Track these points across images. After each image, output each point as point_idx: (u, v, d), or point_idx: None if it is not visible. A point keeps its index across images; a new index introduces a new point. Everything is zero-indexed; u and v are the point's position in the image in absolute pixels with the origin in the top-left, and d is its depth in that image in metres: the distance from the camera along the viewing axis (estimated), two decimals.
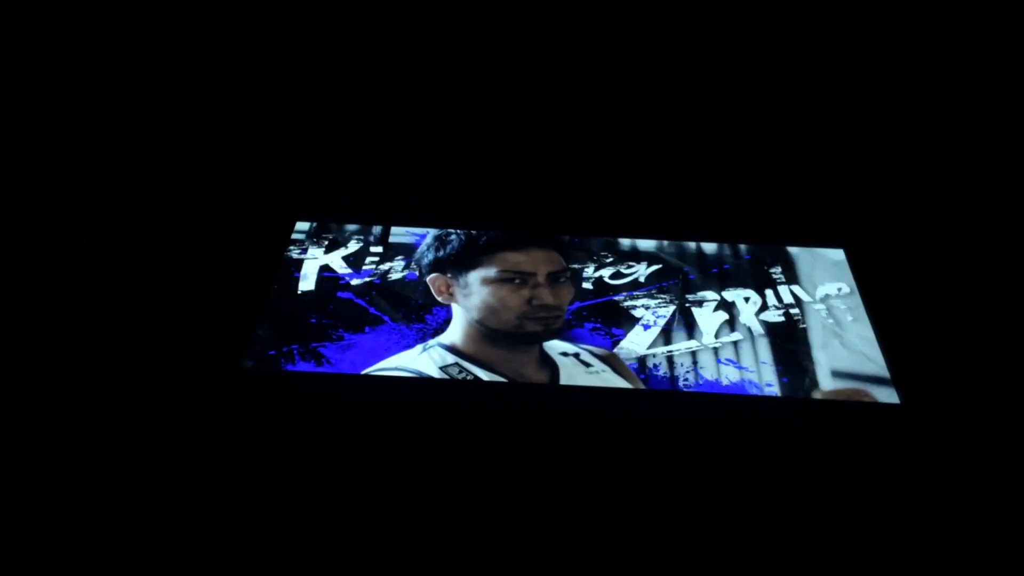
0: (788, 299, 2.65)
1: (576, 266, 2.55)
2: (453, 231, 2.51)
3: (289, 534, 2.26)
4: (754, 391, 2.42)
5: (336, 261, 2.75)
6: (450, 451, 2.43)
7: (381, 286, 2.58)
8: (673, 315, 2.52)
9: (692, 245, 2.80)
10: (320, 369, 2.42)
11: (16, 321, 2.74)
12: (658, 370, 2.44)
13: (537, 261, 2.33)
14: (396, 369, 2.27)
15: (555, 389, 2.32)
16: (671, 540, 2.22)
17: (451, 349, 2.22)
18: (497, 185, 3.29)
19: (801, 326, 2.56)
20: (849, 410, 2.66)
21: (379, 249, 2.71)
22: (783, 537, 2.22)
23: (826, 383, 2.45)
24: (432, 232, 2.61)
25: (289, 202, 3.25)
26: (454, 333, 2.30)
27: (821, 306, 2.65)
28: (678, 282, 2.65)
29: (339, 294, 2.63)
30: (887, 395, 2.53)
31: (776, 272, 2.75)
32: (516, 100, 3.23)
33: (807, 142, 3.19)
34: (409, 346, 2.36)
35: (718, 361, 2.48)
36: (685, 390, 2.51)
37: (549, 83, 3.20)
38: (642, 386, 2.36)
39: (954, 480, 2.32)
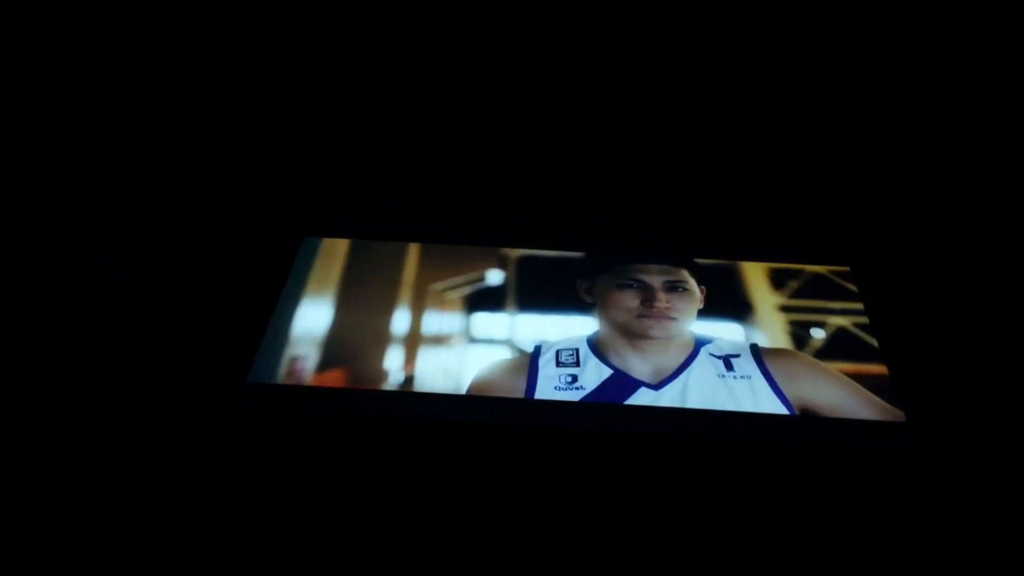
0: None
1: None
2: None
3: (290, 547, 2.27)
4: None
5: None
6: (457, 468, 2.44)
7: None
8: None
9: None
10: None
11: (21, 331, 2.75)
12: None
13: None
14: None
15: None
16: (670, 560, 2.23)
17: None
18: (507, 190, 3.30)
19: None
20: (853, 429, 2.65)
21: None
22: (784, 558, 2.22)
23: None
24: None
25: (295, 214, 3.26)
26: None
27: None
28: None
29: None
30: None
31: None
32: (526, 107, 3.22)
33: (812, 158, 3.18)
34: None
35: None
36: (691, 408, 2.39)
37: (572, 96, 3.18)
38: None
39: (959, 499, 2.32)
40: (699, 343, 2.01)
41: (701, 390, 1.97)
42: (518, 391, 1.95)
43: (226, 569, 2.24)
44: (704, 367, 1.98)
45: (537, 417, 2.08)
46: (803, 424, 2.20)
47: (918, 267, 2.98)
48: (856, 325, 2.60)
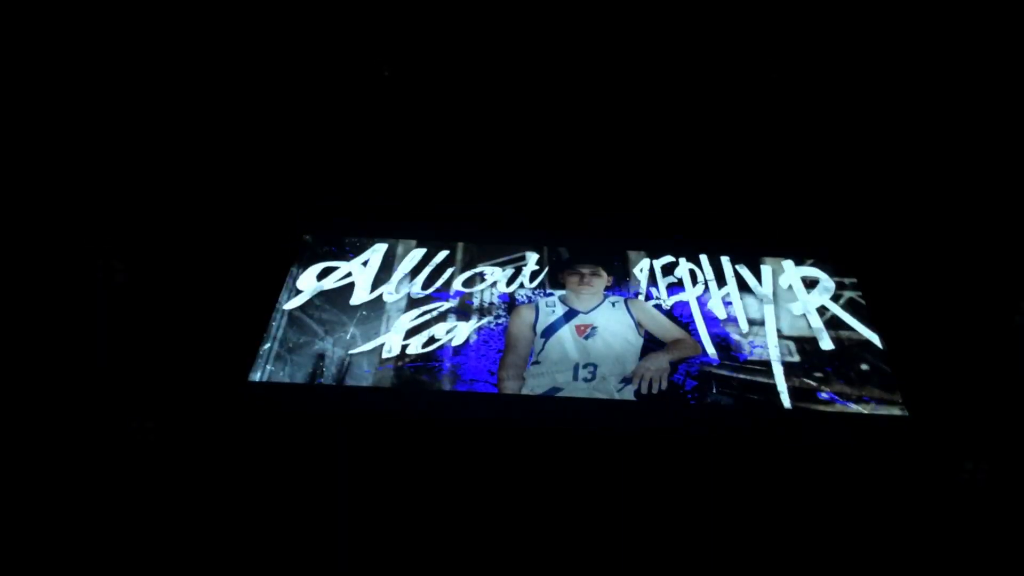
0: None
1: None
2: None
3: (287, 542, 2.27)
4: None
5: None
6: (450, 463, 2.43)
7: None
8: None
9: None
10: None
11: (22, 331, 2.74)
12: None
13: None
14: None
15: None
16: (673, 552, 2.22)
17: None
18: (505, 190, 3.28)
19: None
20: (856, 423, 2.65)
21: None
22: (787, 551, 2.21)
23: None
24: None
25: (295, 214, 3.24)
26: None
27: None
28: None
29: None
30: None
31: None
32: (526, 108, 3.21)
33: (812, 156, 3.17)
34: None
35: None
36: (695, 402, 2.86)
37: (570, 102, 3.17)
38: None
39: (960, 493, 2.31)
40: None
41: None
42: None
43: (227, 567, 2.23)
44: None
45: (526, 412, 2.89)
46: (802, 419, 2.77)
47: (920, 264, 2.96)
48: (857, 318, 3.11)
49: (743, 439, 2.53)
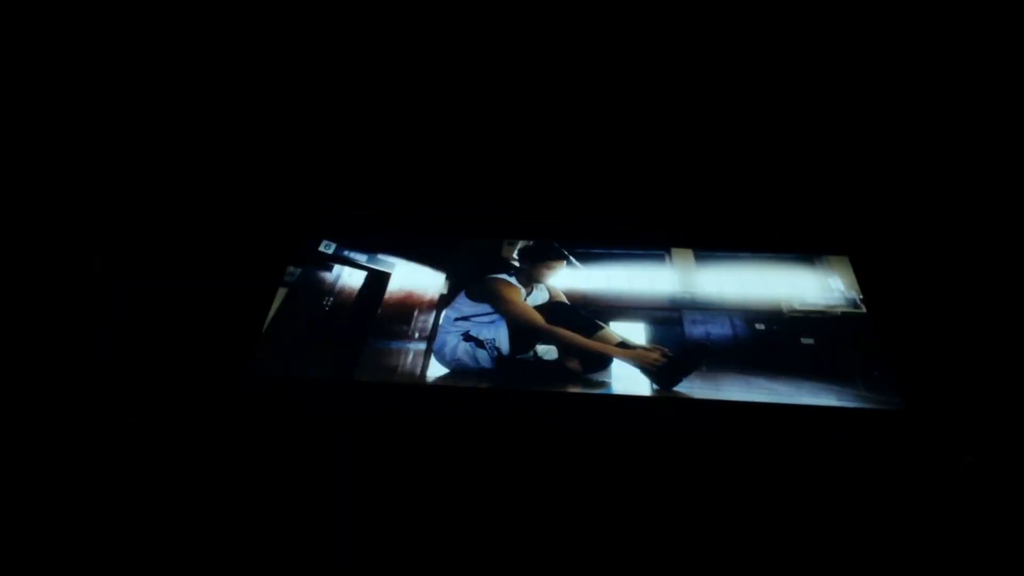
0: None
1: None
2: None
3: (285, 540, 2.27)
4: None
5: None
6: (447, 459, 2.43)
7: None
8: None
9: None
10: None
11: (22, 331, 2.74)
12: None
13: None
14: None
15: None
16: (668, 547, 2.23)
17: None
18: (507, 190, 3.28)
19: None
20: (853, 417, 2.65)
21: None
22: (785, 546, 2.22)
23: None
24: None
25: (295, 214, 3.25)
26: None
27: None
28: None
29: None
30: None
31: None
32: (526, 107, 3.21)
33: (812, 155, 3.16)
34: None
35: None
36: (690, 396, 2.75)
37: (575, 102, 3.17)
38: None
39: (956, 486, 2.31)
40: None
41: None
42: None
43: (227, 567, 2.24)
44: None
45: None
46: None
47: (919, 258, 2.96)
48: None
49: (737, 435, 2.53)
